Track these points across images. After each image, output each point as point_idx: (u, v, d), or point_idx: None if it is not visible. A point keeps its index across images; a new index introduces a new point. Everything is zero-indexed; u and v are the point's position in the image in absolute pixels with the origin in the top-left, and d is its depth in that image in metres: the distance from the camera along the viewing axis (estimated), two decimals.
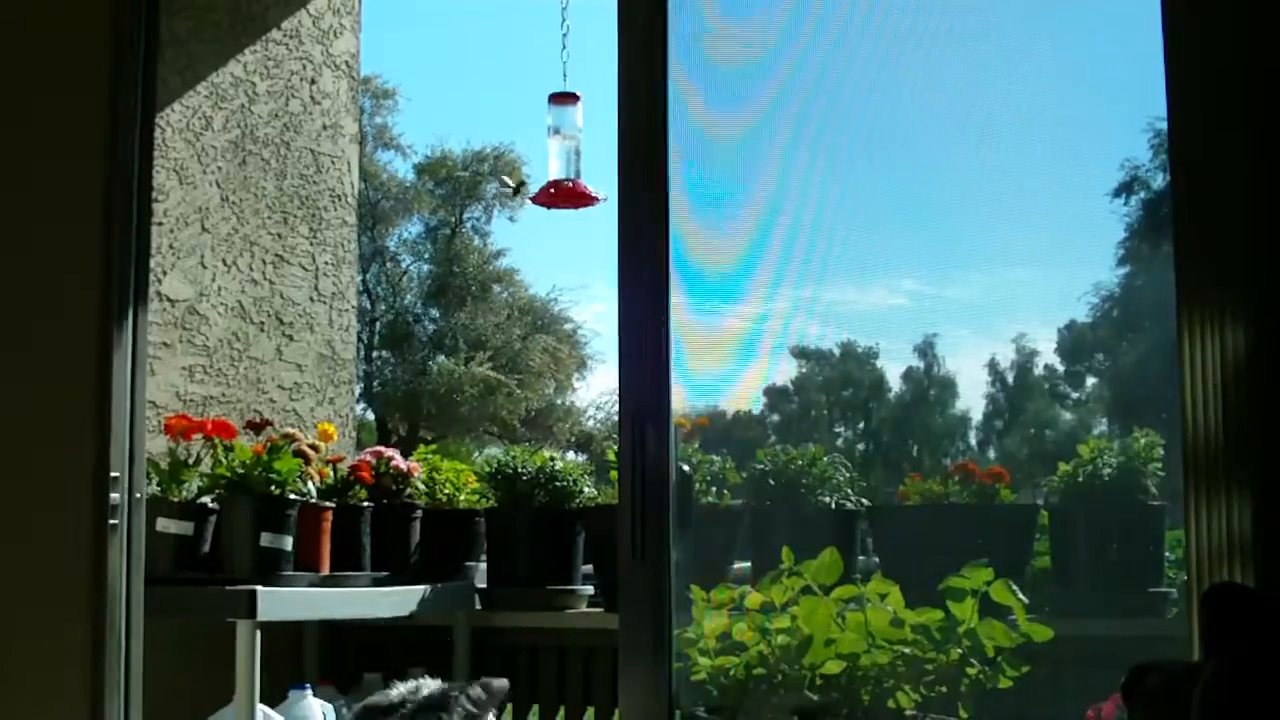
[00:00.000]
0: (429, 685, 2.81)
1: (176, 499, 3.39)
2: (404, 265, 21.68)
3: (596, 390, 27.21)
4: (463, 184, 21.48)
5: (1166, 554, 3.42)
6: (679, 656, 3.05)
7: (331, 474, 3.68)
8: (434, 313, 21.37)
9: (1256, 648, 1.90)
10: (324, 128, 4.40)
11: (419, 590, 3.65)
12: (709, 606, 3.38)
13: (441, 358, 20.41)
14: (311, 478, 3.51)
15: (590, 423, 21.67)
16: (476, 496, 4.00)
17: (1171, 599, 3.38)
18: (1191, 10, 2.48)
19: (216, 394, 3.99)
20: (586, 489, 3.90)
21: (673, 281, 2.98)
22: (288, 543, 3.37)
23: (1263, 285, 2.37)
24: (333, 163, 4.42)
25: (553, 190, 4.22)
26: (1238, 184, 2.41)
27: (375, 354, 20.70)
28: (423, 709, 2.77)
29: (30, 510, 2.92)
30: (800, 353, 5.29)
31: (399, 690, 2.81)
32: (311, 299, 4.31)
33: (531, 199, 4.24)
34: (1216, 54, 2.44)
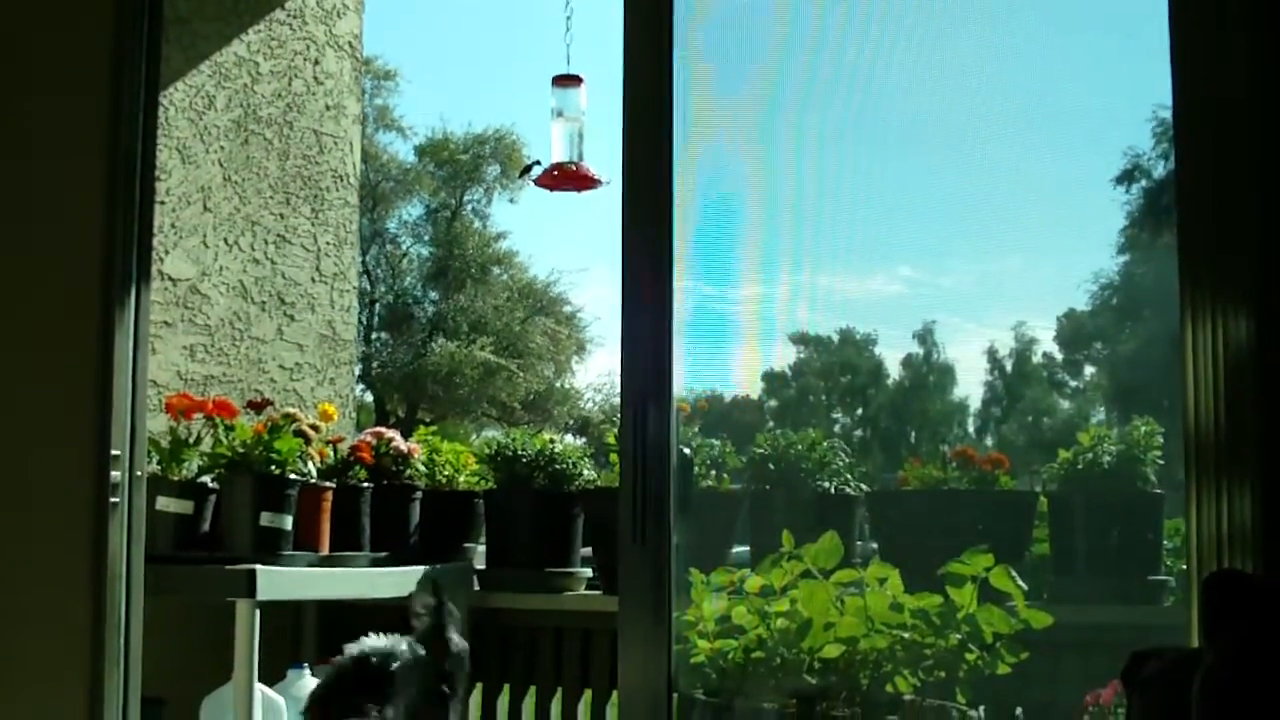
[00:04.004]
0: (374, 640, 2.71)
1: (177, 478, 3.40)
2: (404, 247, 21.66)
3: (595, 373, 27.22)
4: (463, 166, 21.44)
5: (1165, 542, 3.43)
6: (678, 639, 3.05)
7: (332, 454, 3.69)
8: (433, 295, 21.35)
9: (1257, 634, 1.90)
10: (326, 108, 4.39)
11: (418, 571, 3.66)
12: (708, 589, 3.39)
13: (441, 340, 20.39)
14: (312, 458, 3.51)
15: (589, 406, 21.66)
16: (476, 478, 4.01)
17: (1170, 587, 3.38)
18: None
19: (217, 373, 3.99)
20: (586, 471, 3.90)
21: (675, 264, 2.98)
22: (287, 522, 3.37)
23: (1266, 272, 2.36)
24: (335, 143, 4.41)
25: (555, 172, 4.21)
26: (1242, 172, 2.40)
27: (374, 336, 20.68)
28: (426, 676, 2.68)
29: (31, 488, 2.92)
30: (799, 338, 5.29)
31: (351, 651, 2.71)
32: (313, 279, 4.31)
33: (534, 181, 4.23)
34: (1224, 41, 2.43)
